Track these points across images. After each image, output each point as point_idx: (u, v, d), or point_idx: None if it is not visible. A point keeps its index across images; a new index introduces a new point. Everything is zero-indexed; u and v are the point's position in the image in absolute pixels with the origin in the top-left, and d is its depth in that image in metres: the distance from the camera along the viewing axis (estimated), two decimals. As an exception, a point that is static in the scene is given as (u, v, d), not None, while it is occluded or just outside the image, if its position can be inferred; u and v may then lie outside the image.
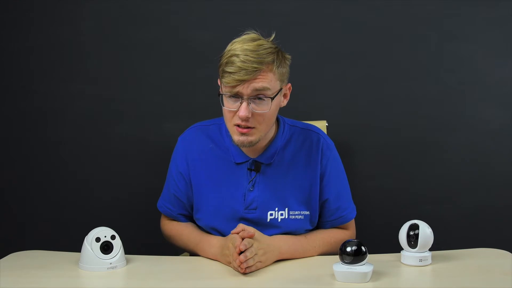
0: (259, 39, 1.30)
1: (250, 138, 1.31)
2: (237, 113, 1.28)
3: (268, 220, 1.38)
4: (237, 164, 1.40)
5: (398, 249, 1.29)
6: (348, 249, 1.14)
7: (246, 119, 1.28)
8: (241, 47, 1.27)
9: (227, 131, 1.43)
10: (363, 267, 1.14)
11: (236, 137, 1.32)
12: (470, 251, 1.37)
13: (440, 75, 1.95)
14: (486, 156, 1.95)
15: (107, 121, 1.99)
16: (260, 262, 1.23)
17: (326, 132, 1.71)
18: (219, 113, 1.52)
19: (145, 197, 1.80)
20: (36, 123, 2.00)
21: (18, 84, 1.99)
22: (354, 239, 1.17)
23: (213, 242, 1.34)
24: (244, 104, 1.27)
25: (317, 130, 1.46)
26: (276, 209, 1.38)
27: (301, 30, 1.94)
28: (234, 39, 1.32)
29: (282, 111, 1.48)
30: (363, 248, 1.15)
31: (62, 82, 1.98)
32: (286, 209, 1.38)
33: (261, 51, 1.27)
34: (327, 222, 1.44)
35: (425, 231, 1.25)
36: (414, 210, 1.95)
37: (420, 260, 1.24)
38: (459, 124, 1.95)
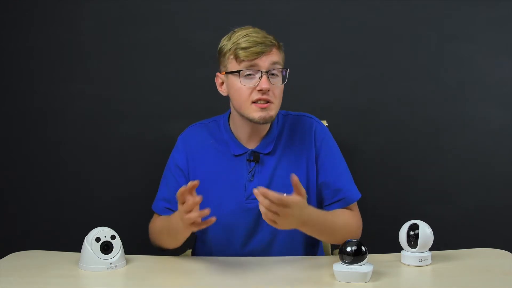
0: (258, 29, 1.38)
1: (271, 113, 1.35)
2: (255, 89, 1.32)
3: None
4: (236, 156, 1.41)
5: (398, 249, 1.29)
6: (348, 249, 1.14)
7: (267, 92, 1.32)
8: (247, 30, 1.35)
9: (225, 126, 1.45)
10: (363, 267, 1.14)
11: (257, 114, 1.34)
12: (470, 251, 1.37)
13: (440, 75, 1.95)
14: (486, 156, 1.95)
15: (107, 121, 1.99)
16: (275, 223, 1.18)
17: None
18: (219, 113, 1.53)
19: (145, 197, 1.79)
20: (36, 123, 2.00)
21: (18, 84, 1.99)
22: (354, 239, 1.17)
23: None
24: (265, 76, 1.32)
25: (309, 115, 1.49)
26: None
27: (301, 30, 1.94)
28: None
29: (283, 110, 1.48)
30: (363, 248, 1.15)
31: (62, 82, 1.98)
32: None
33: (266, 33, 1.36)
34: (331, 205, 1.42)
35: (425, 231, 1.25)
36: (414, 210, 1.95)
37: (420, 260, 1.24)
38: (459, 124, 1.95)
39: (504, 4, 1.91)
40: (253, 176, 1.39)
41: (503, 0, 1.90)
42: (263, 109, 1.33)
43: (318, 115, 1.51)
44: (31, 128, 2.00)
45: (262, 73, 1.32)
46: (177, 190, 1.40)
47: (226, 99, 1.47)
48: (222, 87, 1.41)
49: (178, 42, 1.96)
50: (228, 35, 1.38)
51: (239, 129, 1.43)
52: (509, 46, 1.92)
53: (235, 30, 1.38)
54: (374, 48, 1.94)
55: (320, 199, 1.43)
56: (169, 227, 1.33)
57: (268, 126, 1.43)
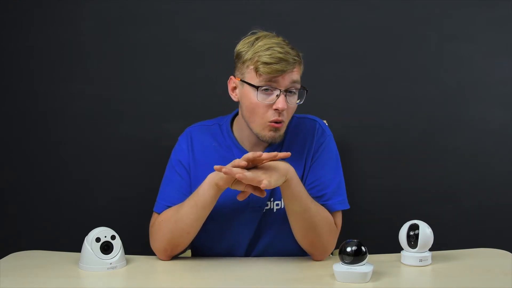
0: (281, 38, 1.33)
1: (280, 132, 1.34)
2: (271, 107, 1.29)
3: (264, 210, 1.37)
4: None
5: (398, 249, 1.29)
6: (348, 249, 1.14)
7: (281, 112, 1.30)
8: (271, 41, 1.30)
9: (228, 132, 1.43)
10: (363, 267, 1.14)
11: (268, 134, 1.32)
12: (470, 251, 1.37)
13: (440, 75, 1.95)
14: (486, 156, 1.95)
15: (107, 121, 1.99)
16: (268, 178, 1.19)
17: (326, 132, 1.71)
18: (219, 113, 1.53)
19: (145, 197, 1.79)
20: (36, 123, 2.00)
21: (18, 84, 1.99)
22: (354, 240, 1.16)
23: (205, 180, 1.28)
24: (282, 96, 1.29)
25: (313, 118, 1.47)
26: (272, 199, 1.37)
27: (301, 30, 1.94)
28: (241, 38, 1.35)
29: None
30: (363, 248, 1.15)
31: (62, 82, 1.98)
32: (282, 198, 1.37)
33: (290, 46, 1.31)
34: None
35: (425, 231, 1.25)
36: (414, 210, 1.95)
37: (420, 260, 1.25)
38: (459, 124, 1.95)
39: (504, 4, 1.91)
40: None
41: (503, 0, 1.91)
42: (275, 129, 1.32)
43: (318, 115, 1.51)
44: (31, 128, 2.00)
45: (280, 91, 1.28)
46: (180, 187, 1.40)
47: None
48: (235, 92, 1.37)
49: (178, 42, 1.96)
50: (250, 39, 1.33)
51: (245, 136, 1.40)
52: (509, 46, 1.92)
53: (258, 35, 1.33)
54: (374, 48, 1.94)
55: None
56: (195, 198, 1.29)
57: None
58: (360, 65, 1.95)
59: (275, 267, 1.28)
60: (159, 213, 1.39)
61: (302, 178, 1.39)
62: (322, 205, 1.36)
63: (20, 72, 1.99)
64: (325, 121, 1.75)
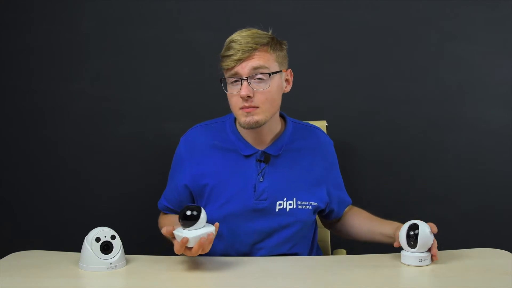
0: (256, 30, 1.37)
1: (256, 118, 1.33)
2: (239, 95, 1.32)
3: (277, 210, 1.38)
4: (246, 156, 1.40)
5: (398, 249, 1.29)
6: (188, 212, 1.19)
7: (247, 98, 1.31)
8: (239, 34, 1.34)
9: (231, 128, 1.44)
10: (192, 232, 1.19)
11: (243, 119, 1.34)
12: (470, 251, 1.37)
13: (440, 75, 1.95)
14: (486, 156, 1.95)
15: (107, 121, 1.99)
16: None
17: (326, 132, 1.71)
18: (219, 113, 1.53)
19: (145, 197, 1.80)
20: (36, 122, 2.00)
21: (18, 84, 1.99)
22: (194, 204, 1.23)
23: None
24: (244, 83, 1.31)
25: (320, 128, 1.53)
26: (285, 199, 1.39)
27: (301, 30, 1.94)
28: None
29: (282, 110, 1.49)
30: (194, 212, 1.19)
31: (62, 82, 1.98)
32: (294, 199, 1.40)
33: (256, 35, 1.34)
34: (334, 212, 1.52)
35: (425, 231, 1.25)
36: (414, 210, 1.95)
37: (420, 260, 1.24)
38: (459, 124, 1.96)
39: (504, 4, 1.91)
40: (263, 177, 1.39)
41: (503, 0, 1.91)
42: (248, 113, 1.33)
43: (318, 115, 1.52)
44: (31, 128, 2.00)
45: (242, 79, 1.31)
46: (175, 190, 1.46)
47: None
48: None
49: (178, 42, 1.96)
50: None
51: (245, 131, 1.42)
52: (509, 46, 1.92)
53: (240, 31, 1.36)
54: (374, 48, 1.94)
55: (325, 203, 1.47)
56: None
57: (275, 129, 1.43)
58: (360, 65, 1.95)
59: (275, 267, 1.28)
60: (160, 209, 1.53)
61: (316, 181, 1.43)
62: (346, 203, 1.54)
63: (20, 72, 1.99)
64: (324, 121, 1.76)
